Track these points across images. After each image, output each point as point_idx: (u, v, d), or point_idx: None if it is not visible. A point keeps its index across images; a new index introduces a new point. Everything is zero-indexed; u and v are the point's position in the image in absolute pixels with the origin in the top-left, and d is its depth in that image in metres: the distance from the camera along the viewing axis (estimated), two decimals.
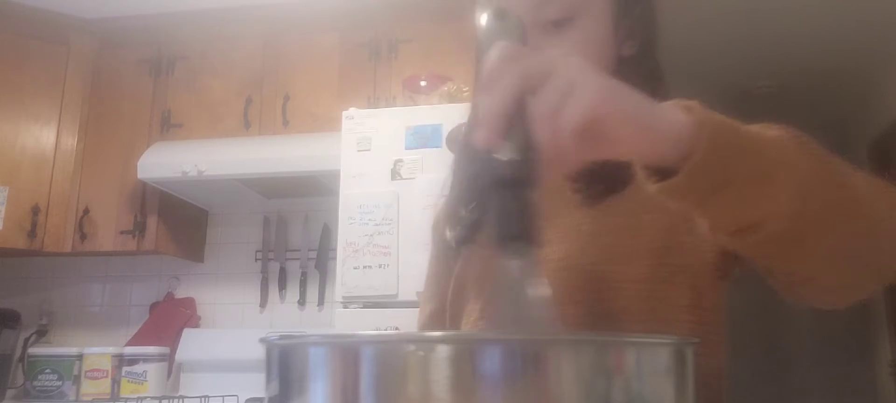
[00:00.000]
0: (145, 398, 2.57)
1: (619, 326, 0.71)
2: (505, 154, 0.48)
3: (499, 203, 0.49)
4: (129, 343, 2.87)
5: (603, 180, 0.75)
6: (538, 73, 0.47)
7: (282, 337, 0.45)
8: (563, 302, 0.74)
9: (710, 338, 0.73)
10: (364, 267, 2.19)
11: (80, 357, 2.76)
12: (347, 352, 0.42)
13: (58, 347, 2.88)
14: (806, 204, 0.51)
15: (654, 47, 0.82)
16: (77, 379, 2.74)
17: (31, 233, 2.77)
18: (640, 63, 0.80)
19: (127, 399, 2.61)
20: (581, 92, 0.46)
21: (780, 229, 0.52)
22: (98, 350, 2.77)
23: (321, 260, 2.94)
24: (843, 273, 0.58)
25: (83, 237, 2.83)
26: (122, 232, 2.81)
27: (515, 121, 0.47)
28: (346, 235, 2.23)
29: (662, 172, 0.51)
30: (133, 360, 2.73)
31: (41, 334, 3.02)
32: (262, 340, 0.45)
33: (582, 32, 0.76)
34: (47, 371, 2.74)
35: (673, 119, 0.49)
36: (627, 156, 0.51)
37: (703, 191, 0.50)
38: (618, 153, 0.50)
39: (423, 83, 2.54)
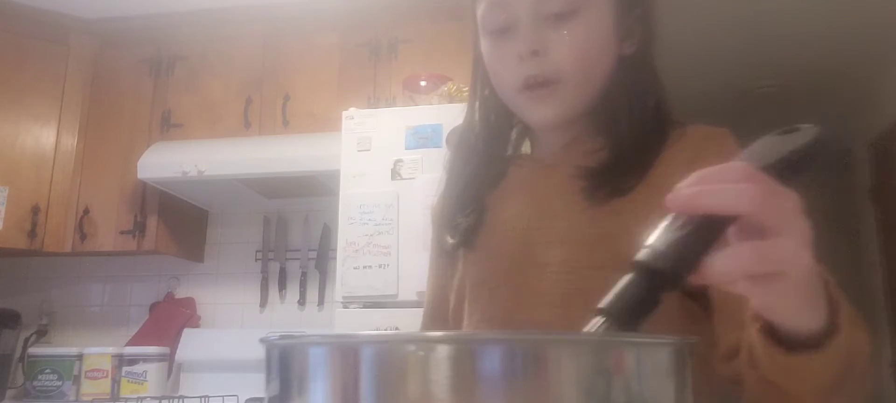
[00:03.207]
0: (145, 398, 2.57)
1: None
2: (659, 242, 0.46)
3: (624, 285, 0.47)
4: (129, 344, 2.87)
5: (608, 183, 0.75)
6: (761, 220, 0.44)
7: (282, 337, 0.45)
8: (564, 305, 0.74)
9: (710, 349, 0.73)
10: (364, 267, 2.19)
11: (80, 357, 2.76)
12: (347, 352, 0.42)
13: (58, 347, 2.88)
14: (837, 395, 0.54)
15: (652, 48, 0.82)
16: (77, 379, 2.74)
17: (31, 233, 2.77)
18: (639, 62, 0.80)
19: (127, 399, 2.61)
20: (784, 288, 0.45)
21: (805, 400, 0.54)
22: (98, 350, 2.77)
23: (321, 260, 2.94)
24: None
25: (83, 237, 2.83)
26: (122, 232, 2.81)
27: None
28: (346, 235, 2.23)
29: (776, 333, 0.51)
30: (133, 360, 2.73)
31: (41, 334, 3.02)
32: (262, 340, 0.45)
33: (583, 26, 0.76)
34: (47, 371, 2.74)
35: (815, 315, 0.49)
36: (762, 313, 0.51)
37: (825, 377, 0.51)
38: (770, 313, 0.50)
39: (423, 83, 2.54)
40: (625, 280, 0.48)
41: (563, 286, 0.74)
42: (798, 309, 0.48)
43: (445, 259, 0.89)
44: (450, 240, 0.86)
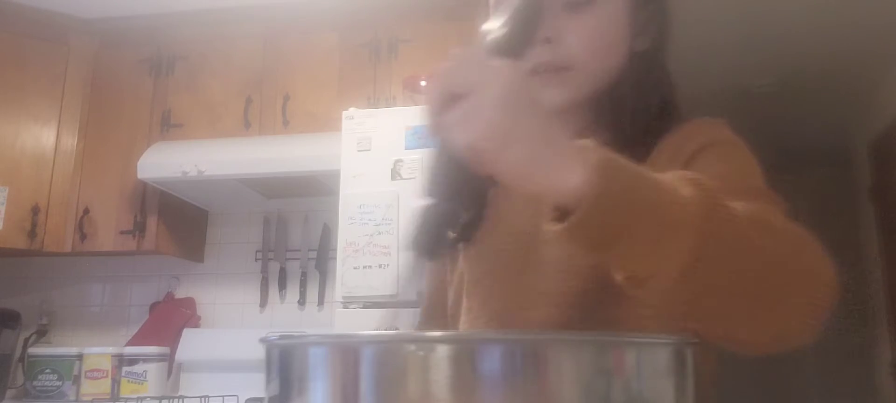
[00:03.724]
0: (145, 398, 2.57)
1: (617, 329, 0.71)
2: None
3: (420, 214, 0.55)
4: (129, 344, 2.87)
5: None
6: (464, 85, 0.51)
7: (282, 337, 0.45)
8: (563, 304, 0.73)
9: (710, 350, 0.73)
10: (364, 267, 2.19)
11: (80, 357, 2.76)
12: (347, 352, 0.42)
13: (58, 347, 2.88)
14: (696, 268, 0.50)
15: (664, 46, 0.82)
16: (77, 379, 2.74)
17: (31, 233, 2.77)
18: (650, 60, 0.80)
19: (127, 399, 2.61)
20: (472, 124, 0.50)
21: (665, 286, 0.51)
22: (98, 350, 2.77)
23: (321, 260, 2.94)
24: (749, 333, 0.57)
25: (83, 237, 2.83)
26: (122, 232, 2.81)
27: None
28: (346, 235, 2.23)
29: (559, 211, 0.52)
30: (133, 360, 2.73)
31: (41, 334, 3.02)
32: (262, 340, 0.45)
33: (598, 18, 0.76)
34: (47, 371, 2.74)
35: (566, 177, 0.50)
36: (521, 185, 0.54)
37: (587, 244, 0.51)
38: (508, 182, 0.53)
39: (423, 83, 2.54)
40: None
41: (560, 284, 0.74)
42: (521, 184, 0.51)
43: (446, 252, 0.89)
44: (451, 235, 0.86)
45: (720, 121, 0.78)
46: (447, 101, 0.52)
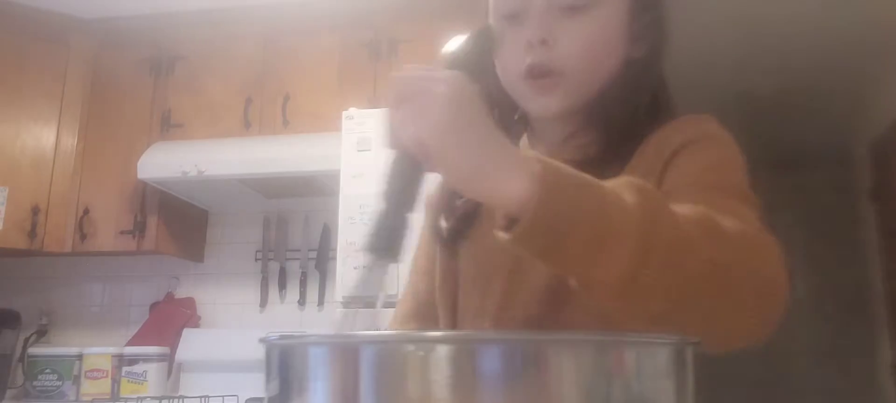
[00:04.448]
0: (145, 398, 2.57)
1: (612, 327, 0.71)
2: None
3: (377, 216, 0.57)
4: (129, 344, 2.87)
5: (594, 175, 0.75)
6: (416, 88, 0.54)
7: (282, 337, 0.45)
8: (554, 302, 0.74)
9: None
10: (364, 267, 2.19)
11: (80, 357, 2.76)
12: (347, 352, 0.42)
13: (58, 347, 2.88)
14: (641, 277, 0.51)
15: (661, 54, 0.82)
16: (77, 379, 2.74)
17: (31, 233, 2.77)
18: (646, 67, 0.80)
19: (127, 399, 2.61)
20: (421, 121, 0.53)
21: (611, 290, 0.52)
22: (98, 350, 2.77)
23: (321, 260, 2.94)
24: (703, 333, 0.55)
25: (83, 237, 2.83)
26: (122, 232, 2.81)
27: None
28: (346, 235, 2.23)
29: (505, 221, 0.53)
30: (133, 360, 2.73)
31: (41, 334, 3.02)
32: (262, 340, 0.45)
33: (595, 22, 0.76)
34: (47, 371, 2.74)
35: (509, 185, 0.51)
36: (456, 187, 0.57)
37: (535, 250, 0.52)
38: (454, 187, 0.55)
39: None
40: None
41: (555, 282, 0.74)
42: (458, 149, 0.52)
43: (440, 244, 0.88)
44: (446, 224, 0.85)
45: (706, 117, 0.78)
46: (400, 102, 0.55)
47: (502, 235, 0.53)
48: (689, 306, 0.54)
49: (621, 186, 0.54)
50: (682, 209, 0.55)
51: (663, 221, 0.53)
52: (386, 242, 0.56)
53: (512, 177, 0.51)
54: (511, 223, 0.52)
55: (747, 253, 0.56)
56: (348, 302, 2.20)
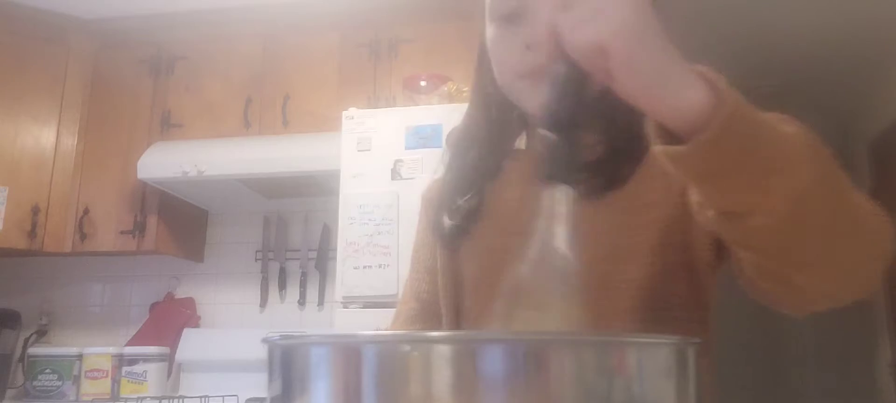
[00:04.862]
0: (145, 398, 2.57)
1: (618, 325, 0.71)
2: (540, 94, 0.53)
3: (540, 142, 0.53)
4: (129, 344, 2.87)
5: (603, 174, 0.75)
6: None
7: (284, 337, 0.45)
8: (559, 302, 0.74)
9: (705, 335, 0.74)
10: (364, 267, 2.19)
11: (80, 357, 2.76)
12: (349, 352, 0.42)
13: (58, 347, 2.88)
14: (800, 208, 0.51)
15: None
16: (77, 379, 2.74)
17: (31, 233, 2.77)
18: None
19: (127, 399, 2.61)
20: (602, 21, 0.48)
21: (770, 224, 0.52)
22: (98, 350, 2.77)
23: (321, 260, 2.94)
24: (819, 281, 0.58)
25: (83, 237, 2.83)
26: (122, 232, 2.81)
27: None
28: (346, 235, 2.23)
29: (671, 134, 0.51)
30: (133, 360, 2.73)
31: (41, 334, 3.02)
32: (265, 340, 0.45)
33: None
34: (47, 371, 2.74)
35: (690, 93, 0.49)
36: (639, 107, 0.52)
37: (704, 169, 0.50)
38: (629, 99, 0.51)
39: (423, 83, 2.54)
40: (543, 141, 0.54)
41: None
42: (642, 52, 0.49)
43: (441, 242, 0.87)
44: (448, 221, 0.85)
45: None
46: (565, 7, 0.50)
47: (673, 149, 0.50)
48: (831, 240, 0.54)
49: (775, 116, 0.53)
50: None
51: (823, 157, 0.53)
52: (567, 166, 0.53)
53: (693, 86, 0.49)
54: (671, 136, 0.50)
55: (867, 200, 0.57)
56: (348, 302, 2.21)
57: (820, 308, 0.60)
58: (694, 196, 0.56)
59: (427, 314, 0.90)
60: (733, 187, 0.51)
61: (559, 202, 0.79)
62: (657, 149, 0.52)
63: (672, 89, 0.49)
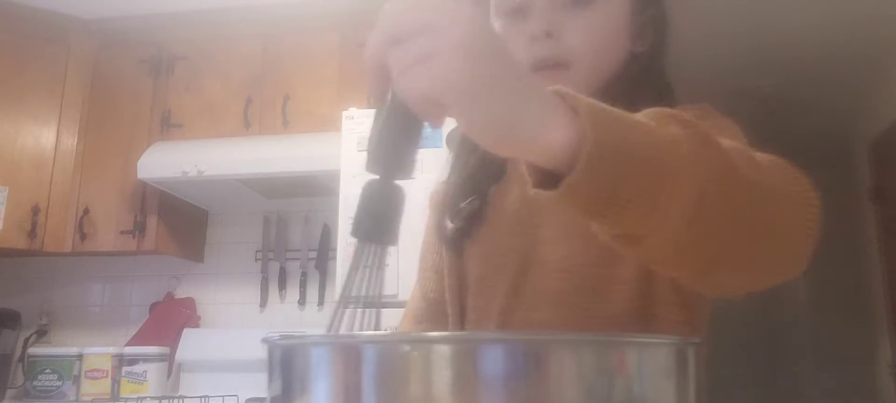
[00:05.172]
0: (145, 398, 2.57)
1: (613, 328, 0.71)
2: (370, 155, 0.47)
3: (365, 193, 0.48)
4: (129, 344, 2.87)
5: None
6: (412, 25, 0.43)
7: (284, 337, 0.45)
8: (559, 303, 0.73)
9: (699, 334, 0.74)
10: (364, 267, 2.19)
11: (80, 357, 2.76)
12: (350, 352, 0.42)
13: (58, 347, 2.88)
14: (698, 215, 0.47)
15: (663, 50, 0.82)
16: (77, 379, 2.74)
17: (31, 233, 2.77)
18: (649, 62, 0.80)
19: (127, 399, 2.61)
20: (433, 69, 0.42)
21: (667, 238, 0.48)
22: (98, 350, 2.77)
23: (321, 260, 2.94)
24: (738, 274, 0.54)
25: (83, 237, 2.83)
26: (122, 232, 2.81)
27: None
28: (346, 235, 2.23)
29: (541, 174, 0.46)
30: (133, 360, 2.73)
31: (41, 334, 3.02)
32: (265, 340, 0.45)
33: (600, 14, 0.76)
34: (47, 371, 2.74)
35: (550, 131, 0.43)
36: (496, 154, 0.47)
37: (584, 206, 0.45)
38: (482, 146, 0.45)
39: None
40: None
41: (559, 284, 0.74)
42: (485, 102, 0.42)
43: (446, 245, 0.87)
44: (451, 225, 0.84)
45: (705, 105, 0.77)
46: (396, 41, 0.43)
47: (542, 192, 0.45)
48: (740, 242, 0.50)
49: (656, 117, 0.48)
50: (722, 139, 0.50)
51: (712, 153, 0.48)
52: (377, 221, 0.47)
53: (552, 120, 0.43)
54: (544, 179, 0.45)
55: (784, 178, 0.53)
56: (348, 302, 2.20)
57: (746, 292, 0.56)
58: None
59: (434, 312, 0.91)
60: (620, 215, 0.45)
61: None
62: (530, 192, 0.47)
63: (528, 134, 0.43)
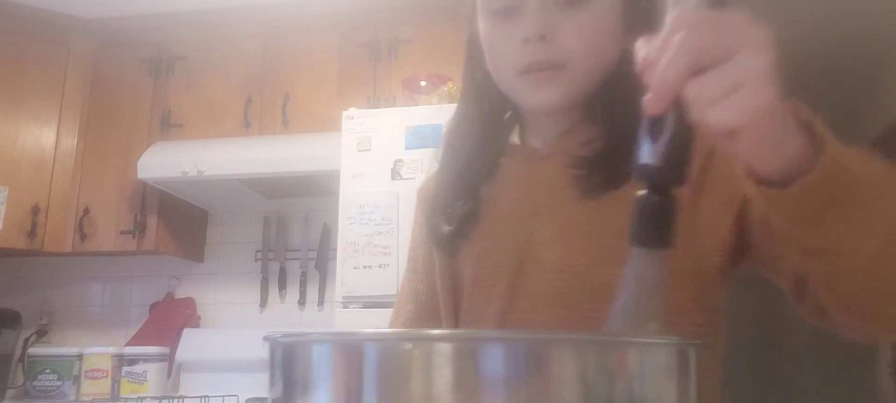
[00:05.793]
0: (145, 398, 2.57)
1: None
2: (650, 153, 0.49)
3: (639, 204, 0.50)
4: (129, 344, 2.87)
5: (603, 172, 0.73)
6: (714, 53, 0.45)
7: (285, 335, 0.45)
8: (558, 305, 0.72)
9: (712, 340, 0.72)
10: (364, 267, 2.19)
11: (80, 357, 2.76)
12: (351, 350, 0.42)
13: (58, 347, 2.88)
14: (890, 245, 0.51)
15: None
16: (77, 379, 2.74)
17: (31, 233, 2.77)
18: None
19: (127, 399, 2.61)
20: (741, 103, 0.44)
21: (862, 261, 0.52)
22: (98, 350, 2.77)
23: (321, 260, 2.94)
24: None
25: (83, 237, 2.83)
26: (122, 232, 2.81)
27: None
28: (346, 235, 2.23)
29: (763, 177, 0.50)
30: (133, 360, 2.73)
31: (41, 334, 3.02)
32: (266, 338, 0.45)
33: (593, 14, 0.75)
34: (47, 371, 2.74)
35: (790, 143, 0.49)
36: (742, 159, 0.51)
37: (801, 210, 0.50)
38: (735, 154, 0.49)
39: (423, 83, 2.54)
40: (639, 200, 0.50)
41: (558, 285, 0.72)
42: (770, 128, 0.47)
43: (438, 246, 0.85)
44: (445, 227, 0.83)
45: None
46: (697, 71, 0.45)
47: (764, 190, 0.50)
48: None
49: (866, 154, 0.53)
50: None
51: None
52: (662, 229, 0.49)
53: (794, 134, 0.49)
54: (764, 180, 0.50)
55: None
56: (348, 302, 2.21)
57: (881, 339, 0.62)
58: (778, 224, 0.55)
59: (425, 316, 0.88)
60: (827, 226, 0.51)
61: (559, 202, 0.78)
62: (750, 188, 0.51)
63: (794, 146, 0.49)
